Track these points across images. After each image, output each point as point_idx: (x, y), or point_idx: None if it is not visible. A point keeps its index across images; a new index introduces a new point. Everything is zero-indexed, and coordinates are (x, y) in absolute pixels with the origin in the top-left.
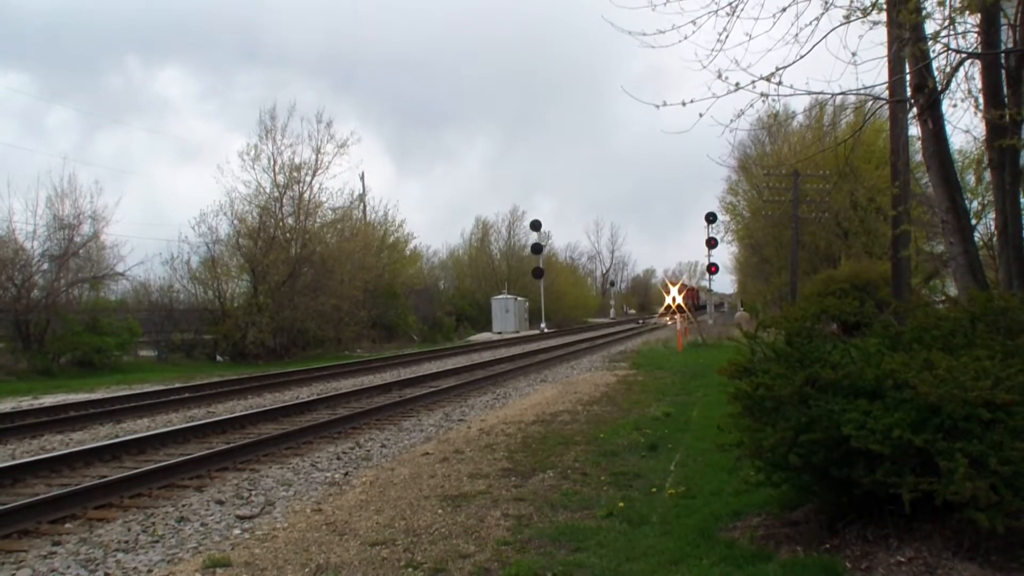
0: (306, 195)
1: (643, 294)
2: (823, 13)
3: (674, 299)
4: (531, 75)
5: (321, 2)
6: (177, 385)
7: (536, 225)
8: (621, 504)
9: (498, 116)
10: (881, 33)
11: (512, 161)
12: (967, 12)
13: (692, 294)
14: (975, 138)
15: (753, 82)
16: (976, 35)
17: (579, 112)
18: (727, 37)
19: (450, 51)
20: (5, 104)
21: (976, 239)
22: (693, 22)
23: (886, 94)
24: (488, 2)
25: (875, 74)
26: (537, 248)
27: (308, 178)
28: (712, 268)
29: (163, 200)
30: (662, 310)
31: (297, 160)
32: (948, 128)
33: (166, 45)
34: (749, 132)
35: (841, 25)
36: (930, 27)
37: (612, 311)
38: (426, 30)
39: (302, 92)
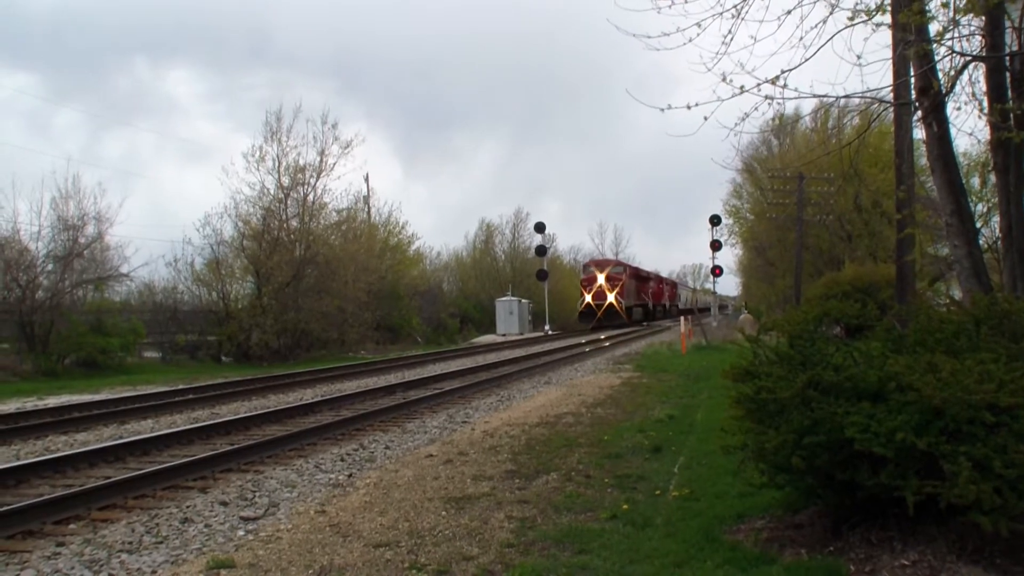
0: (310, 197)
1: None
2: (828, 16)
3: (600, 295)
4: (540, 77)
5: (330, 2)
6: (181, 386)
7: (540, 227)
8: (625, 506)
9: (506, 118)
10: (886, 36)
11: (519, 163)
12: (971, 14)
13: (661, 288)
14: (979, 141)
15: (758, 85)
16: (980, 38)
17: (587, 114)
18: (732, 40)
19: (459, 52)
20: (11, 105)
21: (981, 242)
22: (698, 24)
23: (891, 97)
24: (497, 4)
25: (880, 77)
26: (541, 250)
27: (312, 180)
28: (716, 271)
29: (169, 201)
30: (582, 308)
31: (302, 162)
32: (953, 131)
33: (173, 45)
34: (754, 135)
35: (846, 28)
36: (934, 29)
37: None
38: (435, 31)
39: (310, 92)
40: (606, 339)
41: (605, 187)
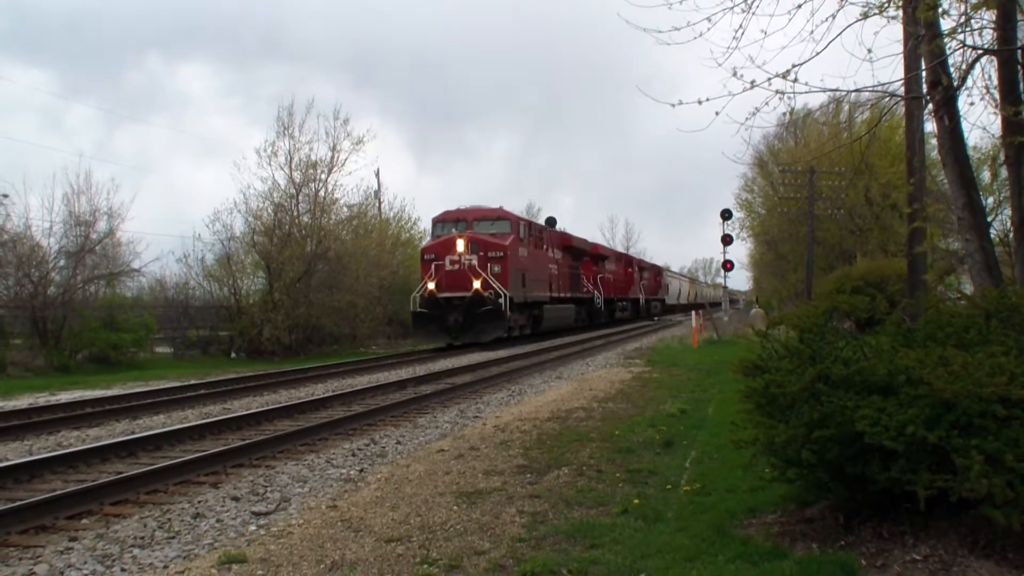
0: (321, 192)
1: None
2: (838, 10)
3: (457, 279)
4: (552, 73)
5: None
6: (193, 382)
7: (551, 222)
8: (636, 501)
9: (520, 112)
10: (897, 30)
11: (532, 158)
12: (983, 8)
13: (629, 274)
14: (991, 135)
15: (769, 79)
16: (992, 31)
17: (600, 108)
18: (743, 34)
19: (473, 46)
20: (24, 101)
21: (992, 236)
22: (708, 19)
23: (902, 91)
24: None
25: (891, 71)
26: None
27: (324, 175)
28: (727, 265)
29: (182, 196)
30: (419, 306)
31: (313, 157)
32: (964, 125)
33: (188, 40)
34: (765, 129)
35: (857, 22)
36: (946, 23)
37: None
38: (449, 25)
39: (323, 87)
40: (617, 333)
41: (620, 181)
